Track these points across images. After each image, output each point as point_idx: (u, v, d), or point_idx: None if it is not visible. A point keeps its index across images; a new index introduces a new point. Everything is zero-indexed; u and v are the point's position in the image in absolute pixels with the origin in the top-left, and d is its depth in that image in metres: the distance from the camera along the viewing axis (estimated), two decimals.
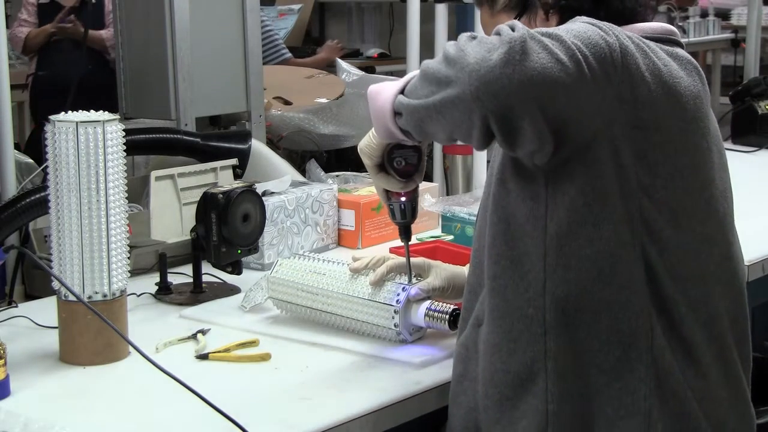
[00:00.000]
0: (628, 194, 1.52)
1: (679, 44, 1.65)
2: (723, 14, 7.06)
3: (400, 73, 5.16)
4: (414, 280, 1.90)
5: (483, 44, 1.46)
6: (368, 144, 1.78)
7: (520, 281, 1.56)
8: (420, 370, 1.79)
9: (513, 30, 1.46)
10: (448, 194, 3.00)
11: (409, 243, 1.90)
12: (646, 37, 1.59)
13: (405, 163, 1.79)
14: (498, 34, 1.47)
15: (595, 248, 1.52)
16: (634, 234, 1.52)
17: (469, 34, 1.52)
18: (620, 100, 1.49)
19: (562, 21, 1.64)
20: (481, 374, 1.61)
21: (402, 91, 1.62)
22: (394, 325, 1.86)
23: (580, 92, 1.46)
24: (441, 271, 1.92)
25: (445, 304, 1.86)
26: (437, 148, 3.09)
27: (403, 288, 1.88)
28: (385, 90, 1.65)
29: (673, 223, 1.55)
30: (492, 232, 1.60)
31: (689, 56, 1.64)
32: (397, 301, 1.87)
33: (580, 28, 1.50)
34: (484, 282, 1.63)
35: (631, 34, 1.55)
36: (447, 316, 1.84)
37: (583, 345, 1.53)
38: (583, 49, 1.46)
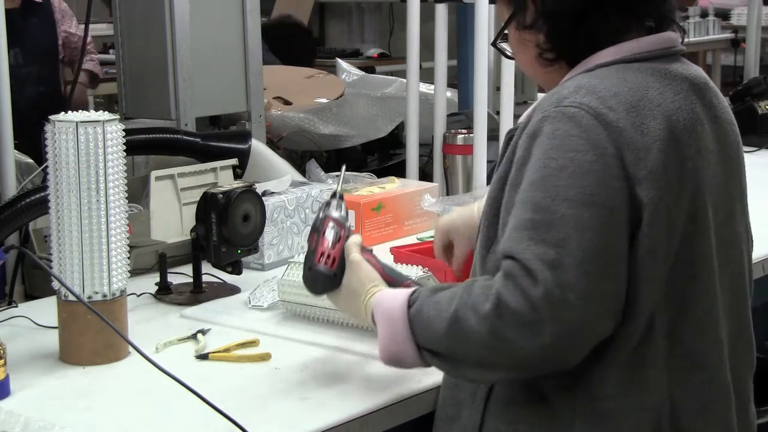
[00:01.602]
0: (653, 274, 1.50)
1: (677, 54, 1.62)
2: (723, 14, 7.07)
3: (400, 74, 5.16)
4: (422, 272, 1.89)
5: (523, 325, 1.42)
6: (355, 315, 1.73)
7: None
8: (420, 370, 1.79)
9: (530, 274, 1.42)
10: (448, 194, 3.00)
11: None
12: (638, 59, 1.56)
13: None
14: (511, 280, 1.43)
15: (620, 337, 1.50)
16: (657, 309, 1.52)
17: (485, 311, 1.45)
18: (633, 184, 1.47)
19: (548, 39, 1.59)
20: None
21: (419, 346, 1.55)
22: None
23: (618, 240, 1.46)
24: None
25: None
26: (437, 148, 3.09)
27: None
28: (403, 358, 1.58)
29: (690, 274, 1.55)
30: None
31: (685, 71, 1.60)
32: None
33: (565, 157, 1.46)
34: None
35: (619, 85, 1.51)
36: None
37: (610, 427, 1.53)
38: (584, 191, 1.44)
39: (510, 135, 1.62)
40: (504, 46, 1.73)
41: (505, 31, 1.68)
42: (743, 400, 1.65)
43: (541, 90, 5.16)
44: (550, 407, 1.53)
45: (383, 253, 2.34)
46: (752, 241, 1.71)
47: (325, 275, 1.69)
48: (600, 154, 1.46)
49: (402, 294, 1.58)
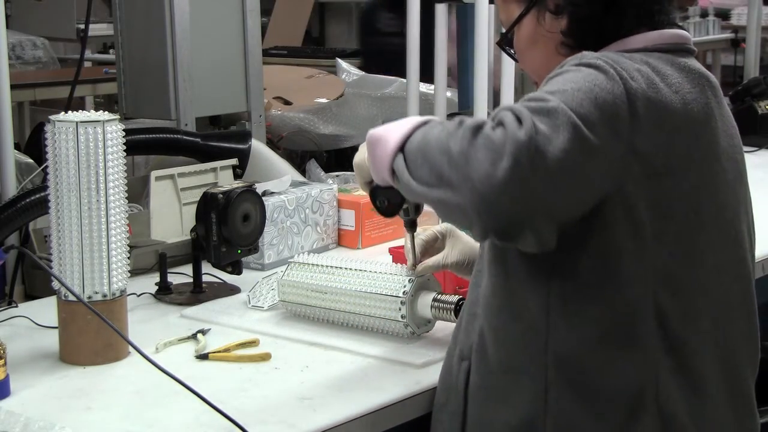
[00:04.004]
0: (642, 248, 1.48)
1: (692, 52, 1.62)
2: (723, 14, 7.07)
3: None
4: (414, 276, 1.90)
5: (488, 150, 1.36)
6: (361, 166, 1.72)
7: (522, 336, 1.53)
8: (420, 370, 1.79)
9: (519, 121, 1.36)
10: None
11: (414, 233, 1.88)
12: (657, 49, 1.57)
13: (388, 202, 1.75)
14: (501, 123, 1.38)
15: (600, 307, 1.49)
16: (647, 286, 1.49)
17: (474, 123, 1.41)
18: (631, 152, 1.45)
19: (571, 25, 1.59)
20: (471, 419, 1.59)
21: (402, 147, 1.50)
22: (402, 317, 1.87)
23: (590, 168, 1.40)
24: (458, 244, 1.89)
25: (451, 294, 1.87)
26: None
27: (410, 279, 1.89)
28: (385, 140, 1.52)
29: (687, 262, 1.53)
30: (491, 282, 1.57)
31: (701, 67, 1.61)
32: (404, 292, 1.87)
33: (585, 83, 1.43)
34: (478, 321, 1.60)
35: (639, 65, 1.51)
36: (453, 306, 1.84)
37: (588, 402, 1.50)
38: (590, 114, 1.40)
39: None
40: (507, 47, 1.73)
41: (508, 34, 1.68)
42: (748, 404, 1.64)
43: None
44: (523, 387, 1.52)
45: (383, 253, 2.34)
46: (754, 245, 1.71)
47: None
48: (615, 104, 1.43)
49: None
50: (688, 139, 1.53)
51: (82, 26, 4.79)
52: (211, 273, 2.23)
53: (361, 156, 1.73)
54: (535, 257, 1.49)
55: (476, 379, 1.58)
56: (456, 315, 1.83)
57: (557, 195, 1.39)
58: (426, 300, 1.88)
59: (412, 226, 1.87)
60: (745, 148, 3.61)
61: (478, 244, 1.87)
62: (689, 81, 1.56)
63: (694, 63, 1.61)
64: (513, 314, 1.54)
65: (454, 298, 1.85)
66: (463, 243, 1.89)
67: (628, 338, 1.50)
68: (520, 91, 4.31)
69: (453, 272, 1.92)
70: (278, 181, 2.53)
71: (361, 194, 2.64)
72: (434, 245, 1.93)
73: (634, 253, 1.48)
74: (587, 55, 1.51)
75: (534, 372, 1.52)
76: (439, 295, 1.88)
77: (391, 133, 1.53)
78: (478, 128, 1.40)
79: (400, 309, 1.88)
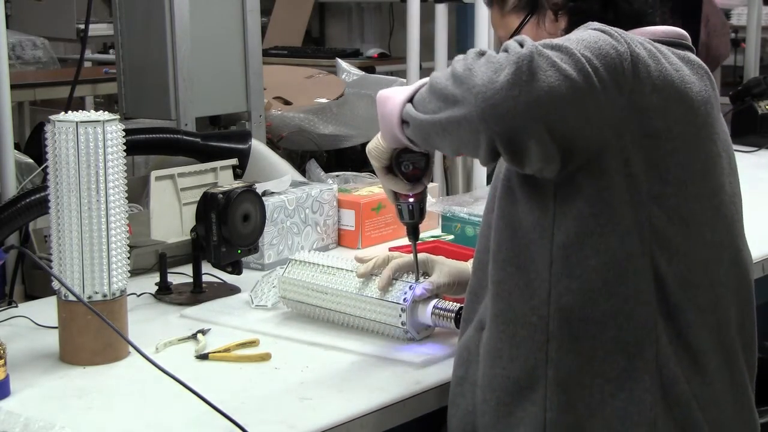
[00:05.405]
0: (637, 203, 1.51)
1: (690, 49, 1.64)
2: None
3: (400, 74, 5.16)
4: (421, 279, 1.90)
5: (490, 63, 1.44)
6: (376, 146, 1.77)
7: (526, 288, 1.55)
8: (420, 370, 1.79)
9: (521, 46, 1.44)
10: (448, 194, 3.00)
11: (416, 241, 1.89)
12: (658, 41, 1.59)
13: (413, 167, 1.78)
14: (506, 50, 1.45)
15: (602, 259, 1.51)
16: (643, 243, 1.51)
17: (477, 50, 1.51)
18: (631, 109, 1.49)
19: (571, 23, 1.64)
20: (480, 378, 1.61)
21: (411, 99, 1.60)
22: (402, 324, 1.87)
23: (590, 105, 1.45)
24: (444, 268, 1.91)
25: (451, 302, 1.87)
26: None
27: (411, 287, 1.89)
28: (393, 97, 1.62)
29: (684, 230, 1.55)
30: (497, 237, 1.60)
31: (700, 61, 1.64)
32: (405, 299, 1.87)
33: (590, 37, 1.49)
34: (487, 285, 1.62)
35: (642, 39, 1.54)
36: (453, 315, 1.84)
37: (587, 355, 1.52)
38: (593, 60, 1.45)
39: None
40: None
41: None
42: (746, 396, 1.64)
43: None
44: (524, 339, 1.54)
45: (385, 252, 2.34)
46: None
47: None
48: (619, 60, 1.48)
49: None
50: (685, 114, 1.55)
51: (82, 26, 4.79)
52: (211, 273, 2.24)
53: (373, 142, 1.78)
54: (543, 210, 1.53)
55: (492, 343, 1.59)
56: (456, 323, 1.83)
57: (556, 112, 1.44)
58: (427, 307, 1.88)
59: (414, 232, 1.87)
60: (745, 148, 3.62)
61: (462, 265, 1.92)
62: (689, 69, 1.59)
63: (693, 56, 1.63)
64: (518, 266, 1.57)
65: (455, 306, 1.85)
66: (448, 265, 1.92)
67: (627, 292, 1.52)
68: None
69: (444, 294, 1.92)
70: (278, 181, 2.53)
71: (361, 194, 2.64)
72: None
73: (630, 207, 1.51)
74: (594, 23, 1.55)
75: (536, 323, 1.54)
76: (440, 303, 1.88)
77: (400, 90, 1.62)
78: (482, 53, 1.49)
79: (400, 316, 1.88)
